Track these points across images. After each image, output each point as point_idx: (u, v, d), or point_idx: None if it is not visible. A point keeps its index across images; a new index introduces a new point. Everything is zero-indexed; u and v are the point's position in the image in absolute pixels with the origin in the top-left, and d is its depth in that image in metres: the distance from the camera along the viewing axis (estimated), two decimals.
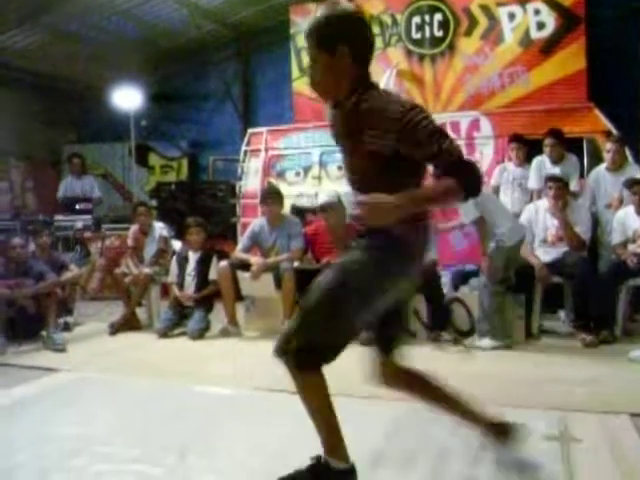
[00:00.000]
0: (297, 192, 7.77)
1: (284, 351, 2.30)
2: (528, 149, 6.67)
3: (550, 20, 7.86)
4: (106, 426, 3.57)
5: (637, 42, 7.90)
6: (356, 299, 2.27)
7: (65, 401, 4.18)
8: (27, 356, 5.46)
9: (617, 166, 6.15)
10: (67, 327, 6.47)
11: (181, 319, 6.34)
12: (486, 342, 5.27)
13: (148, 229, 6.92)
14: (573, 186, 6.11)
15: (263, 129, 8.40)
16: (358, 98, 2.39)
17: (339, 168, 7.74)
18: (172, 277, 6.54)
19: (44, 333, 5.78)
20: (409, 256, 2.37)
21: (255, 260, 6.16)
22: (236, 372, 4.82)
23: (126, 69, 10.22)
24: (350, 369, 4.50)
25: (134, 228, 7.03)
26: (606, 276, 5.45)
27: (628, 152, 6.32)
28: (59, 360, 5.30)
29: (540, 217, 5.79)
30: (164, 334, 6.16)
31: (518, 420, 3.40)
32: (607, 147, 6.22)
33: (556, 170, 6.08)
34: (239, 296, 6.33)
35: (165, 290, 6.98)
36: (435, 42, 8.43)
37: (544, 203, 5.80)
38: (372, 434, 3.28)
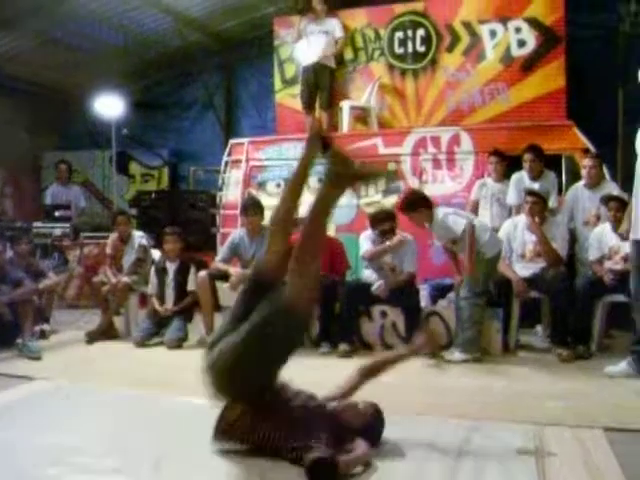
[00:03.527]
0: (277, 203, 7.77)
1: None
2: (507, 165, 6.73)
3: (531, 38, 7.95)
4: (82, 436, 3.54)
5: (616, 61, 8.02)
6: None
7: (40, 410, 4.14)
8: (2, 364, 5.39)
9: (594, 183, 6.23)
10: (43, 335, 6.40)
11: (159, 328, 6.32)
12: (457, 355, 5.29)
13: (127, 238, 6.89)
14: (551, 202, 6.17)
15: (244, 140, 8.41)
16: None
17: (319, 180, 7.75)
18: (152, 288, 6.51)
19: (20, 341, 5.71)
20: None
21: (234, 271, 6.15)
22: None
23: (109, 77, 10.21)
24: (329, 382, 4.47)
25: (113, 236, 6.99)
26: (583, 292, 5.49)
27: (605, 169, 6.40)
28: (34, 368, 5.24)
29: (518, 232, 5.84)
30: (141, 343, 6.13)
31: (494, 434, 3.44)
32: (584, 163, 6.30)
33: (535, 186, 6.14)
34: (218, 306, 6.31)
35: (143, 299, 6.93)
36: (417, 57, 8.49)
37: (522, 219, 5.86)
38: None
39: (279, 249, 3.16)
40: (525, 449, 3.21)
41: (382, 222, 5.88)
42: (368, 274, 5.99)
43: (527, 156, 6.38)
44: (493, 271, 5.51)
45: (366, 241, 6.02)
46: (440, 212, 5.44)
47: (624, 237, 5.39)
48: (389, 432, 3.21)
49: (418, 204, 5.48)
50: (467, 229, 5.29)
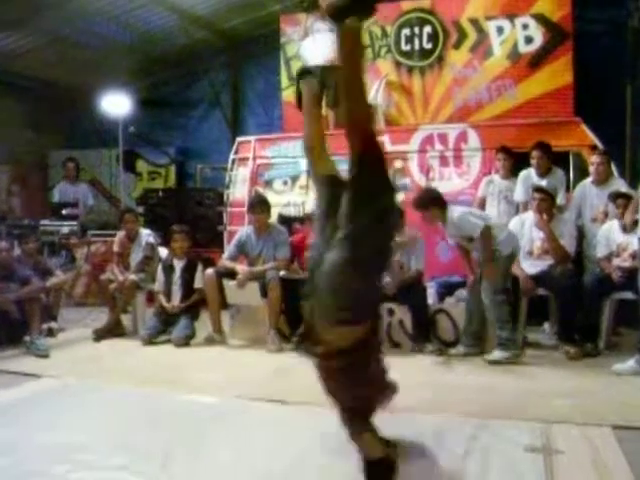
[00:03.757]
0: (284, 201, 7.77)
1: None
2: (515, 162, 6.71)
3: (538, 35, 7.92)
4: (88, 433, 3.55)
5: (623, 57, 7.99)
6: None
7: (47, 407, 4.16)
8: (10, 361, 5.42)
9: (602, 179, 6.19)
10: (51, 333, 6.42)
11: (166, 326, 6.32)
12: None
13: (135, 236, 6.90)
14: (559, 199, 6.15)
15: (251, 138, 8.41)
16: None
17: None
18: (159, 285, 6.52)
19: (27, 338, 5.74)
20: None
21: (241, 268, 6.15)
22: (220, 380, 4.81)
23: (116, 74, 10.22)
24: None
25: (120, 234, 7.00)
26: (591, 289, 5.48)
27: (613, 166, 6.37)
28: (42, 366, 5.27)
29: (526, 229, 5.82)
30: (149, 341, 6.14)
31: (501, 431, 3.43)
32: (592, 160, 6.27)
33: (542, 183, 6.12)
34: (224, 304, 6.32)
35: (150, 297, 6.94)
36: (424, 54, 8.47)
37: (530, 215, 5.84)
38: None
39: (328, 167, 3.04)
40: (533, 447, 3.21)
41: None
42: None
43: (535, 153, 6.36)
44: (510, 269, 5.47)
45: None
46: (455, 212, 5.36)
47: (626, 229, 5.40)
48: (396, 429, 3.20)
49: (431, 203, 5.45)
50: (483, 231, 5.24)
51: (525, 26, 7.99)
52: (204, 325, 6.38)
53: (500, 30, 8.11)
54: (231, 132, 10.40)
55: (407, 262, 5.87)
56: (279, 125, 9.30)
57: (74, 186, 9.18)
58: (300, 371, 5.02)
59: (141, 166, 11.19)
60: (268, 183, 8.08)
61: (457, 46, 8.32)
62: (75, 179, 9.32)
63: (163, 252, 6.96)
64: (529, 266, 5.73)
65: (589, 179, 6.34)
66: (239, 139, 8.56)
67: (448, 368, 5.12)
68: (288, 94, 9.12)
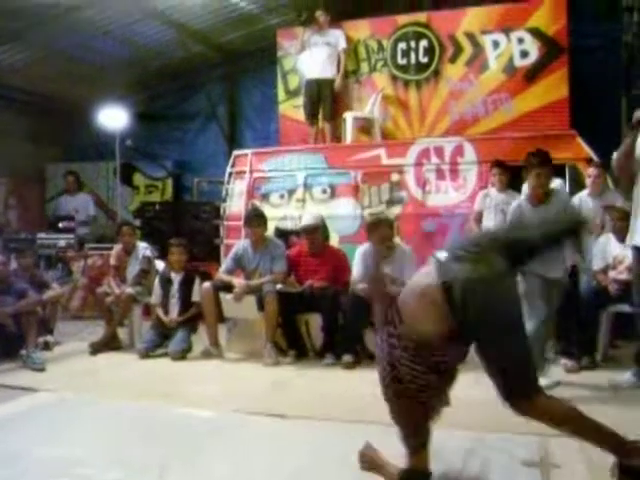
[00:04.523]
0: (281, 215, 7.77)
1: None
2: (510, 175, 6.73)
3: (533, 49, 7.97)
4: (85, 447, 3.54)
5: (618, 71, 8.03)
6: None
7: (44, 421, 4.14)
8: (6, 375, 5.41)
9: (599, 191, 6.22)
10: (47, 346, 6.40)
11: (163, 340, 6.31)
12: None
13: (132, 249, 6.90)
14: None
15: (248, 151, 8.41)
16: None
17: (323, 191, 7.77)
18: (156, 299, 6.52)
19: (24, 352, 5.72)
20: None
21: (238, 282, 6.15)
22: (216, 394, 4.80)
23: (113, 88, 10.25)
24: (334, 394, 4.45)
25: (117, 247, 7.01)
26: (587, 302, 5.48)
27: (609, 179, 6.39)
28: (38, 380, 5.25)
29: None
30: (145, 355, 6.13)
31: (499, 445, 3.42)
32: (589, 173, 6.29)
33: None
34: (221, 318, 6.31)
35: (147, 310, 6.93)
36: (420, 68, 8.51)
37: None
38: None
39: None
40: (530, 461, 3.20)
41: (377, 228, 5.83)
42: None
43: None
44: None
45: (358, 264, 5.95)
46: None
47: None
48: (393, 443, 3.19)
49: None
50: None
51: (520, 40, 8.04)
52: (201, 338, 6.37)
53: (496, 44, 8.16)
54: (228, 145, 10.43)
55: (400, 276, 5.80)
56: (276, 138, 9.33)
57: (74, 198, 9.22)
58: (297, 385, 5.03)
59: (138, 179, 11.20)
60: (265, 196, 8.07)
61: (453, 60, 8.36)
62: (76, 192, 9.36)
63: (160, 265, 6.95)
64: None
65: (585, 191, 6.35)
66: (236, 152, 8.57)
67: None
68: (285, 107, 9.17)
